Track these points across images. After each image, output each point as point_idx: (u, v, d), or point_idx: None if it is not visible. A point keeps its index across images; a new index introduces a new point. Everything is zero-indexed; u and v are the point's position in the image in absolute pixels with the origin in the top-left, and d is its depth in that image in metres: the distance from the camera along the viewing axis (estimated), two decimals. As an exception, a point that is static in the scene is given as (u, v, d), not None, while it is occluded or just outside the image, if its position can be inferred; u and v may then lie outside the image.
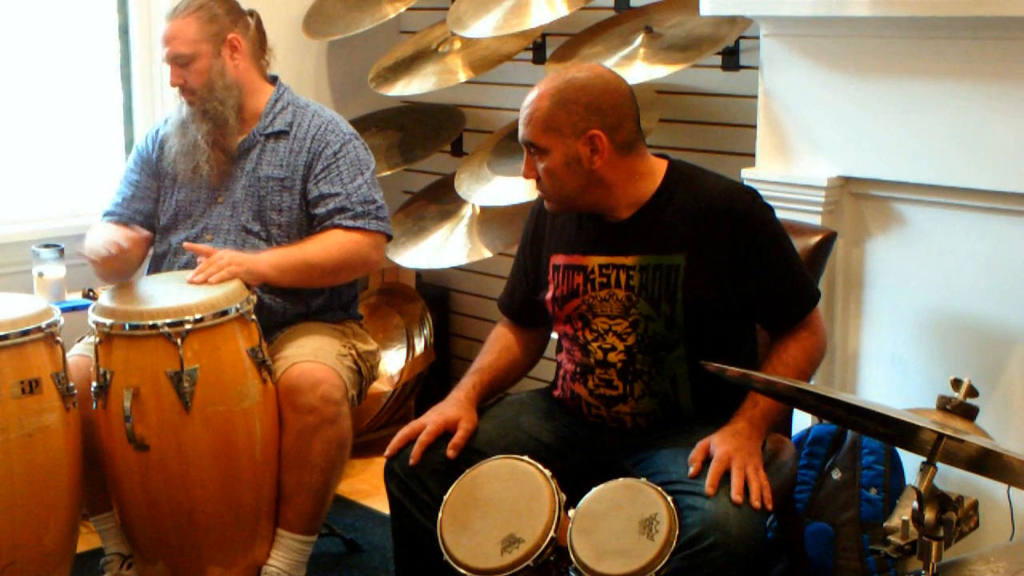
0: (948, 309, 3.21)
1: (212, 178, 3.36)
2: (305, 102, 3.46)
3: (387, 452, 2.78)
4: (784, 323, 2.77)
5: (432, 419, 2.77)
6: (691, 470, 2.56)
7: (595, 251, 2.77)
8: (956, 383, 2.10)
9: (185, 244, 3.29)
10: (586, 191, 2.71)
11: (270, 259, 3.23)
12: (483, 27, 3.97)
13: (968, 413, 2.08)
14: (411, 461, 2.72)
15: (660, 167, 2.77)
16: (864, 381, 3.40)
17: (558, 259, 2.83)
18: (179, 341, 2.94)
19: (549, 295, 2.84)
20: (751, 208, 2.73)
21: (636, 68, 3.70)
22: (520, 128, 2.71)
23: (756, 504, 2.49)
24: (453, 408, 2.80)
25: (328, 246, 3.28)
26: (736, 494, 2.48)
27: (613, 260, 2.74)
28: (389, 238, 3.42)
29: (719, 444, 2.58)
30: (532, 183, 2.77)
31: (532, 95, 2.70)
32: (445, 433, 2.78)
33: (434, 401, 2.91)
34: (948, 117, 3.11)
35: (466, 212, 4.22)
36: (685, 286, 2.68)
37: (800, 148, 3.38)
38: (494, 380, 2.91)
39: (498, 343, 2.98)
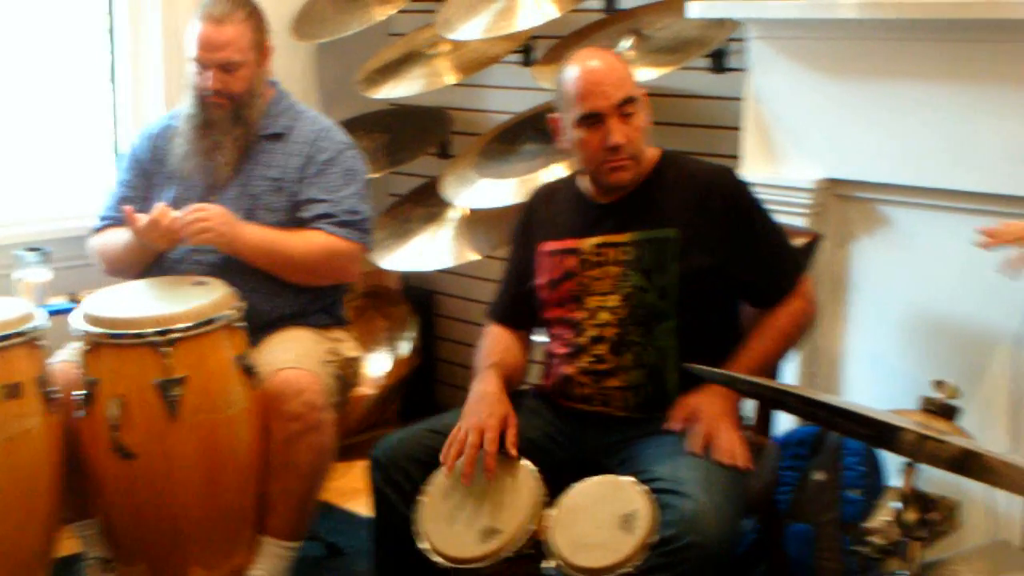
0: (932, 311, 3.21)
1: (222, 178, 3.35)
2: (302, 107, 3.48)
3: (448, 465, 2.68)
4: (776, 295, 2.85)
5: (489, 423, 2.68)
6: (671, 425, 2.70)
7: (589, 233, 2.85)
8: (938, 384, 2.10)
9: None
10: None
11: (251, 238, 3.24)
12: (471, 30, 3.97)
13: (950, 414, 2.09)
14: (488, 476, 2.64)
15: (655, 153, 2.88)
16: (847, 382, 3.40)
17: (549, 246, 2.90)
18: (166, 351, 2.93)
19: (540, 281, 2.89)
20: (739, 185, 2.85)
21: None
22: (600, 96, 2.73)
23: (724, 460, 2.60)
24: (498, 406, 2.74)
25: (308, 244, 3.29)
26: (696, 448, 2.62)
27: (608, 239, 2.82)
28: (368, 251, 3.44)
29: (696, 404, 2.71)
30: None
31: (593, 63, 2.78)
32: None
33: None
34: (933, 119, 3.11)
35: (452, 215, 4.21)
36: (680, 256, 2.76)
37: (786, 150, 3.39)
38: (508, 377, 2.89)
39: (499, 343, 2.98)
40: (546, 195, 3.04)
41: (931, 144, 3.12)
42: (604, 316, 2.80)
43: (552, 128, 2.89)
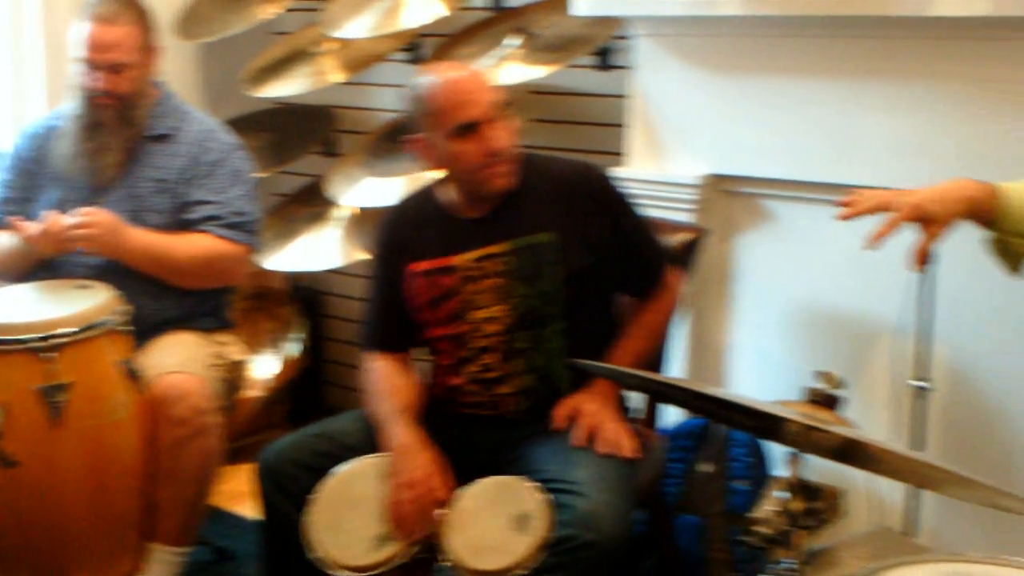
0: (815, 303, 3.26)
1: (107, 180, 3.29)
2: (188, 108, 3.43)
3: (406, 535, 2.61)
4: (649, 284, 2.89)
5: (420, 477, 2.62)
6: (556, 423, 2.72)
7: (464, 249, 2.80)
8: (821, 375, 2.13)
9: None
10: None
11: (136, 244, 3.19)
12: (358, 28, 3.95)
13: (833, 404, 2.11)
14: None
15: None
16: (733, 375, 3.44)
17: (420, 266, 2.84)
18: (49, 356, 2.88)
19: (417, 303, 2.85)
20: (603, 180, 2.85)
21: (512, 69, 3.72)
22: (473, 104, 2.70)
23: (608, 451, 2.63)
24: (424, 455, 2.67)
25: (195, 247, 3.24)
26: (581, 441, 2.65)
27: (485, 251, 2.78)
28: (256, 252, 3.41)
29: (579, 400, 2.74)
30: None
31: (454, 74, 2.76)
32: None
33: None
34: (816, 115, 3.16)
35: (339, 214, 4.19)
36: (558, 259, 2.75)
37: (671, 147, 3.41)
38: (414, 412, 2.81)
39: (390, 381, 2.87)
40: (403, 215, 2.96)
41: (814, 139, 3.16)
42: (490, 327, 2.78)
43: (414, 150, 2.81)
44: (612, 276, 2.84)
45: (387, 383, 2.87)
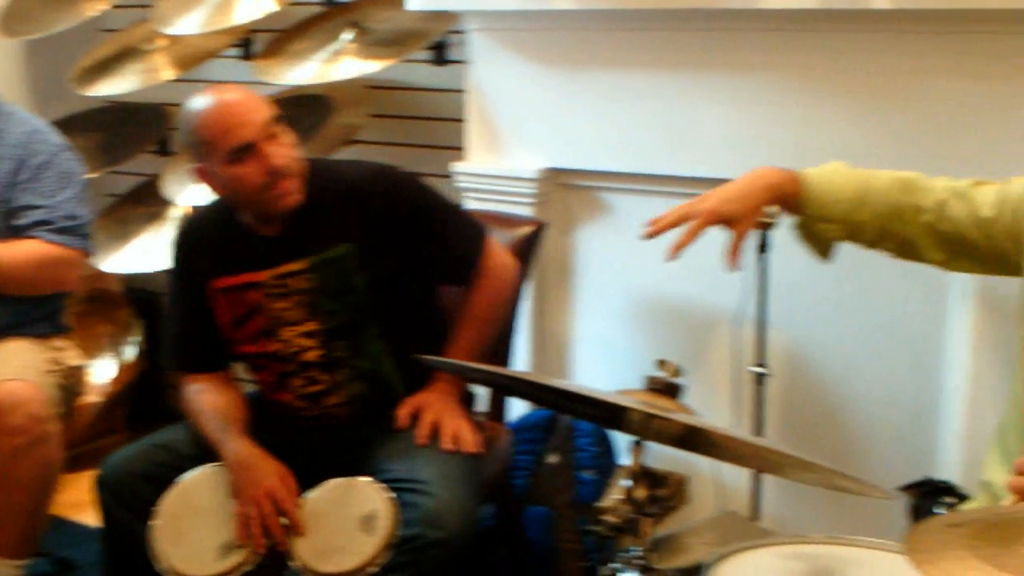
0: (655, 293, 3.30)
1: None
2: (10, 108, 3.31)
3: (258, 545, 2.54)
4: (467, 272, 2.84)
5: (271, 488, 2.56)
6: (399, 422, 2.70)
7: (265, 266, 2.73)
8: (661, 364, 2.15)
9: None
10: None
11: None
12: (188, 24, 3.89)
13: (673, 392, 2.14)
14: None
15: (304, 168, 2.75)
16: (577, 366, 3.47)
17: (222, 283, 2.77)
18: None
19: (223, 320, 2.79)
20: (397, 181, 2.78)
21: (347, 64, 3.70)
22: (244, 125, 2.61)
23: (451, 446, 2.62)
24: (267, 465, 2.62)
25: (26, 254, 3.15)
26: (423, 439, 2.63)
27: (285, 269, 2.72)
28: (89, 256, 3.33)
29: (420, 398, 2.72)
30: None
31: (221, 98, 2.65)
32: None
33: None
34: (651, 107, 3.19)
35: (175, 213, 4.11)
36: (360, 268, 2.70)
37: (509, 141, 3.42)
38: (247, 427, 2.75)
39: (212, 402, 2.78)
40: (201, 229, 2.87)
41: (649, 131, 3.20)
42: (306, 342, 2.73)
43: (200, 179, 2.73)
44: (424, 272, 2.80)
45: (210, 404, 2.78)
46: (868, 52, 2.91)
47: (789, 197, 2.39)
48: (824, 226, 2.40)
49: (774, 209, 2.43)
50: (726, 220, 2.38)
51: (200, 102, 2.66)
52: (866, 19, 2.87)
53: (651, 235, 2.45)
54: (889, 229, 2.39)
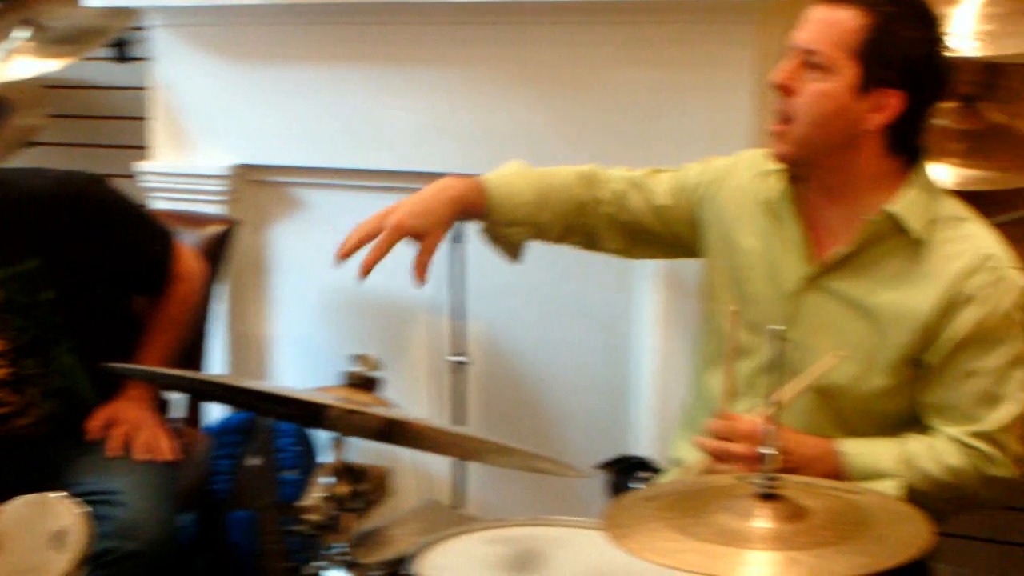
0: (350, 288, 3.27)
1: None
2: None
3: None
4: (158, 282, 2.79)
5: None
6: (90, 435, 2.64)
7: None
8: (358, 358, 2.15)
9: None
10: None
11: None
12: None
13: (371, 386, 2.14)
14: None
15: None
16: (276, 366, 3.43)
17: None
18: None
19: None
20: (82, 191, 2.67)
21: (23, 63, 3.57)
22: None
23: (145, 456, 2.59)
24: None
25: None
26: (116, 451, 2.60)
27: None
28: None
29: (112, 409, 2.66)
30: None
31: None
32: None
33: None
34: (338, 102, 3.19)
35: None
36: (49, 282, 2.61)
37: (197, 138, 3.36)
38: None
39: None
40: None
41: (337, 126, 3.19)
42: None
43: None
44: (116, 282, 2.73)
45: None
46: (548, 44, 2.97)
47: (474, 207, 2.43)
48: (510, 229, 2.45)
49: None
50: (412, 234, 2.38)
51: None
52: (545, 11, 2.94)
53: (343, 257, 2.42)
54: (573, 224, 2.45)
